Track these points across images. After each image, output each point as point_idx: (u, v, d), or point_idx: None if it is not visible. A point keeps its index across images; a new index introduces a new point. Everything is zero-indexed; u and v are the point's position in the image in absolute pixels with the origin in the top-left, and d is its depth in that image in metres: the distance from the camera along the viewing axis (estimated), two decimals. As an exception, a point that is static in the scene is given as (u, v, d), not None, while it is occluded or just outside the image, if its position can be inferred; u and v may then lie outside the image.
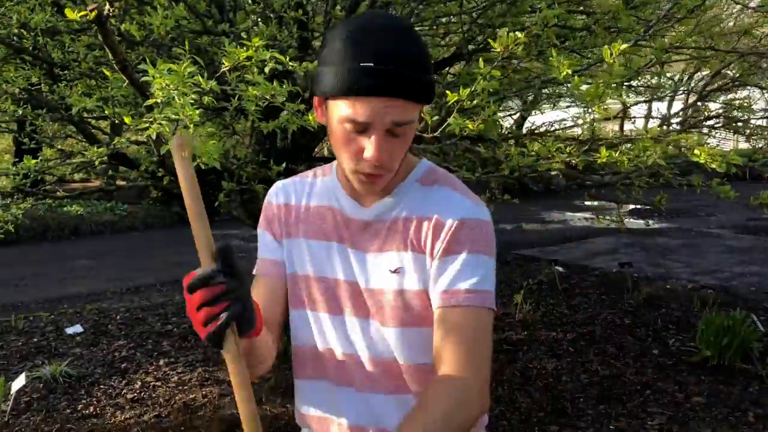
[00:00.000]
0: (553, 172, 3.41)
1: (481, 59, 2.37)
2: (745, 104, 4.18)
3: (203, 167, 2.39)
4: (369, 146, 1.09)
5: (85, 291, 6.78)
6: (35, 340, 4.97)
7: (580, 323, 5.03)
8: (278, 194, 1.34)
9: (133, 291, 6.76)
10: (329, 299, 1.25)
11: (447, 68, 3.90)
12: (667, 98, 4.35)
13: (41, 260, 8.65)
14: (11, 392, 3.61)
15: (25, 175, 3.25)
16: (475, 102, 2.19)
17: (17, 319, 5.38)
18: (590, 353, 4.37)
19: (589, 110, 2.62)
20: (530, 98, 6.15)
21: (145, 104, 2.02)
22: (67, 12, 1.92)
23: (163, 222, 11.42)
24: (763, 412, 3.44)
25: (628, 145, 2.47)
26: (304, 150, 4.08)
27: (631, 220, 12.21)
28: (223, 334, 0.98)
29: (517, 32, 1.99)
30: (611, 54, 1.98)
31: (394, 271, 1.20)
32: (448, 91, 2.16)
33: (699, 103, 3.86)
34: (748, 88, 4.12)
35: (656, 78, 4.46)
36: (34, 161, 3.09)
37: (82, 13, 1.92)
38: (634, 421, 3.37)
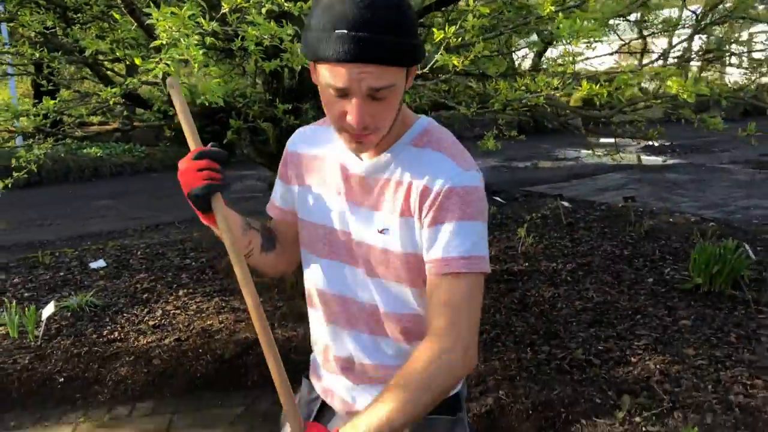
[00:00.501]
0: (548, 109, 3.54)
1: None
2: (740, 38, 4.21)
3: (209, 104, 2.56)
4: (350, 110, 1.14)
5: (107, 229, 7.07)
6: (61, 274, 5.25)
7: (580, 254, 5.22)
8: (294, 141, 1.45)
9: (153, 229, 7.03)
10: (326, 244, 1.35)
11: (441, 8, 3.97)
12: (668, 34, 4.37)
13: (64, 200, 8.94)
14: (42, 319, 3.90)
15: (45, 116, 3.43)
16: (460, 40, 2.32)
17: (44, 255, 5.67)
18: (587, 282, 4.57)
19: (576, 46, 2.69)
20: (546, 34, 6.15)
21: (151, 45, 2.18)
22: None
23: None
24: (745, 333, 3.63)
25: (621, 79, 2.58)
26: (310, 91, 4.21)
27: (645, 156, 12.23)
28: (214, 193, 1.24)
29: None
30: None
31: (380, 232, 1.27)
32: (434, 29, 2.29)
33: (696, 37, 3.91)
34: (750, 21, 4.13)
35: (652, 15, 4.50)
36: (52, 102, 3.27)
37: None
38: (621, 342, 3.58)
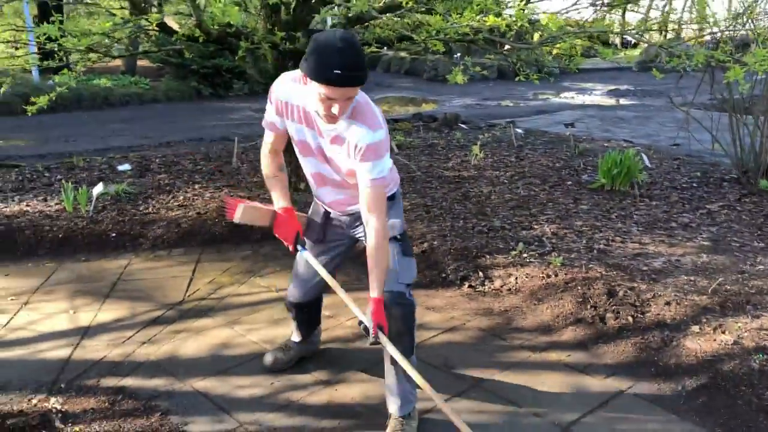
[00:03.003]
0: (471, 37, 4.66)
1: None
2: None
3: (223, 31, 3.65)
4: (335, 109, 2.11)
5: (125, 144, 8.21)
6: (95, 173, 6.40)
7: (520, 166, 6.42)
8: (281, 92, 2.36)
9: (165, 145, 8.17)
10: (308, 151, 2.41)
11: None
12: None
13: (81, 123, 10.04)
14: (93, 196, 5.07)
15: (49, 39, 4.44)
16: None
17: (78, 160, 6.81)
18: (519, 183, 5.78)
19: None
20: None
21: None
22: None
23: (182, 95, 12.72)
24: (624, 214, 4.86)
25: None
26: (302, 23, 5.30)
27: (605, 98, 13.38)
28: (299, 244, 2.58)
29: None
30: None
31: (337, 153, 2.32)
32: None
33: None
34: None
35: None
36: (107, 23, 4.36)
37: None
38: (531, 218, 4.80)
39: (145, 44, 11.27)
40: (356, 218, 2.55)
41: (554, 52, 5.23)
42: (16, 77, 6.29)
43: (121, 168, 6.53)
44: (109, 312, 3.56)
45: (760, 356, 2.83)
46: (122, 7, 6.19)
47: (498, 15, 3.67)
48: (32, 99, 4.86)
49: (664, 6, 6.19)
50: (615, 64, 16.24)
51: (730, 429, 2.54)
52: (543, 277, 3.73)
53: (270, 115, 2.44)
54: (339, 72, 2.00)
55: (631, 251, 4.13)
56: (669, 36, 7.47)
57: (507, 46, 5.95)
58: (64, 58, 5.96)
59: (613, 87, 15.15)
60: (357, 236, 2.65)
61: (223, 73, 13.06)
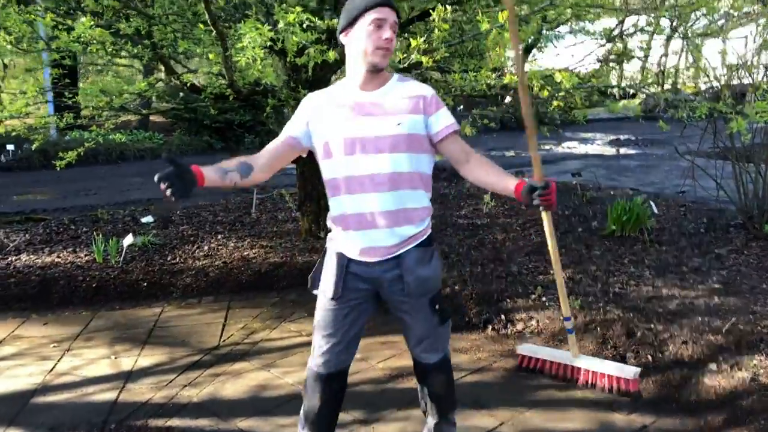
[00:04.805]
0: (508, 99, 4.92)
1: (437, 14, 3.81)
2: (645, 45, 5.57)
3: (257, 89, 3.89)
4: (386, 33, 2.11)
5: (144, 197, 8.45)
6: (120, 225, 6.61)
7: (530, 214, 6.63)
8: (312, 99, 2.28)
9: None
10: (353, 146, 2.15)
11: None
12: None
13: (99, 177, 10.32)
14: (123, 246, 5.27)
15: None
16: (428, 45, 3.69)
17: (102, 213, 7.04)
18: (531, 230, 5.98)
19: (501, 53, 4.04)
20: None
21: (237, 46, 3.54)
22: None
23: (194, 149, 13.05)
24: (635, 258, 5.04)
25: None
26: (322, 80, 5.59)
27: (607, 147, 13.69)
28: (177, 197, 1.96)
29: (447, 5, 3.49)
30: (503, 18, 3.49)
31: (398, 125, 2.15)
32: (411, 39, 3.67)
33: (616, 45, 5.28)
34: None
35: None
36: (143, 83, 4.63)
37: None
38: (546, 264, 4.97)
39: (160, 101, 11.68)
40: (393, 266, 2.22)
41: (557, 103, 5.52)
42: (47, 134, 6.58)
43: (144, 220, 6.73)
44: (149, 357, 3.71)
45: (777, 391, 2.98)
46: (139, 71, 6.50)
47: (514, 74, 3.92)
48: (60, 154, 5.12)
49: (661, 57, 6.52)
50: (616, 114, 16.65)
51: (752, 460, 2.68)
52: (563, 319, 3.89)
53: (293, 127, 2.26)
54: None
55: (646, 294, 4.30)
56: (667, 86, 7.82)
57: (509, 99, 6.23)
58: (88, 116, 6.24)
59: (614, 137, 15.51)
60: (392, 296, 2.29)
61: (235, 127, 13.43)
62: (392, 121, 2.16)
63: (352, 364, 2.44)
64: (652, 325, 3.70)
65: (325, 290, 2.29)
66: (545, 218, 2.93)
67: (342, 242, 2.26)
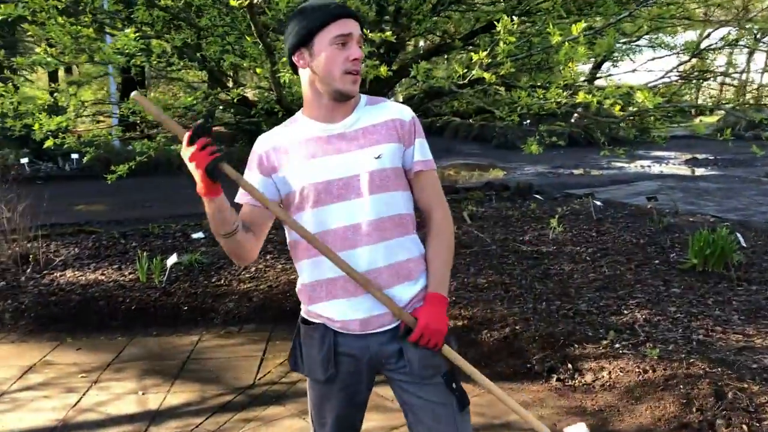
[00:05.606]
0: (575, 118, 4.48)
1: (502, 25, 3.42)
2: (733, 62, 5.04)
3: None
4: (353, 49, 1.67)
5: (199, 211, 8.27)
6: (170, 241, 6.44)
7: (602, 242, 6.12)
8: (262, 145, 1.80)
9: (238, 210, 8.21)
10: (330, 192, 1.71)
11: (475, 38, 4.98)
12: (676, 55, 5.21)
13: (157, 188, 10.30)
14: (167, 267, 5.05)
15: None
16: (492, 60, 3.31)
17: (153, 227, 6.89)
18: (602, 261, 5.48)
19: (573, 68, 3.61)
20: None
21: (281, 61, 3.25)
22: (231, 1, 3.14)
23: (254, 161, 12.97)
24: (721, 299, 4.49)
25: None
26: (379, 95, 5.26)
27: (683, 167, 12.92)
28: (221, 162, 1.56)
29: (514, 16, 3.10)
30: (577, 31, 3.07)
31: (377, 158, 1.72)
32: (472, 53, 3.30)
33: (695, 59, 4.75)
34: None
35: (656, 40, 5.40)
36: (189, 98, 4.41)
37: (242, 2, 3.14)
38: (619, 301, 4.49)
39: (224, 113, 11.64)
40: (391, 339, 1.77)
41: (628, 122, 5.03)
42: (101, 146, 6.49)
43: (194, 236, 6.55)
44: (178, 394, 3.43)
45: None
46: (203, 81, 6.33)
47: (589, 92, 3.49)
48: (112, 167, 4.96)
49: (742, 72, 5.91)
50: (692, 131, 15.78)
51: None
52: (639, 372, 3.42)
53: (245, 189, 1.74)
54: (336, 2, 1.71)
55: (735, 344, 3.77)
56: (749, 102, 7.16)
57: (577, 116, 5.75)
58: (145, 129, 6.12)
59: (689, 156, 14.66)
60: (393, 375, 1.81)
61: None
62: (369, 154, 1.73)
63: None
64: (746, 385, 3.19)
65: (312, 372, 1.85)
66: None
67: (323, 313, 1.80)
